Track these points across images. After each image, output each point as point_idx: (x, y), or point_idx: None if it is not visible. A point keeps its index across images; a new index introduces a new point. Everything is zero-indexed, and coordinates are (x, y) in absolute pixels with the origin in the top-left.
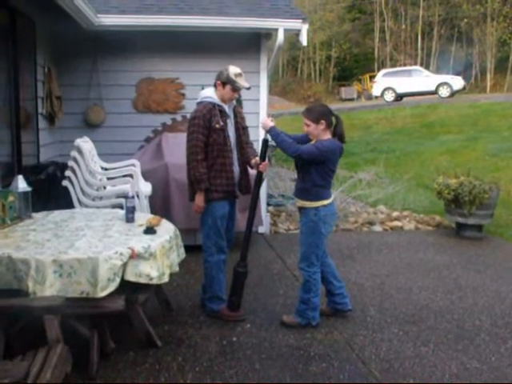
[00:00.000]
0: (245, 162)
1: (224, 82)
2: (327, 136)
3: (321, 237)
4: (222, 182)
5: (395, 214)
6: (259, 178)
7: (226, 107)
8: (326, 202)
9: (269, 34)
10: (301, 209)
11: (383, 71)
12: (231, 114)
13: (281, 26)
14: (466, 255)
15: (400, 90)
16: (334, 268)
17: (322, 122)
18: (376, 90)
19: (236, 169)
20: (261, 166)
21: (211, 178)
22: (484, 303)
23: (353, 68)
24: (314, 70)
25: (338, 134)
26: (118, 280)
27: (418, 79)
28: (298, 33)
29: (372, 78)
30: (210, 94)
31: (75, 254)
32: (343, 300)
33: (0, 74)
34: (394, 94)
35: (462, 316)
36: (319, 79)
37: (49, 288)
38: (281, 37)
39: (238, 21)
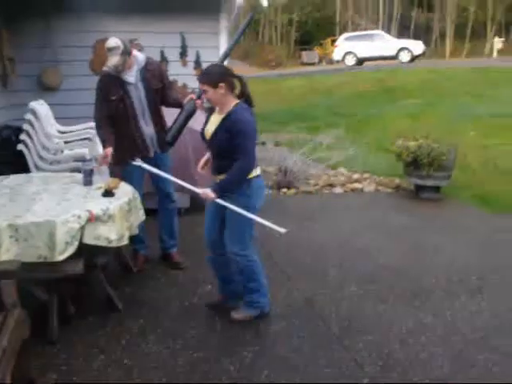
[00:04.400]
0: (179, 106)
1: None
2: (232, 101)
3: (255, 213)
4: (125, 146)
5: (355, 176)
6: (193, 110)
7: (125, 75)
8: (256, 173)
9: None
10: None
11: (345, 35)
12: (136, 80)
13: None
14: (424, 216)
15: (361, 55)
16: None
17: (221, 84)
18: (337, 54)
19: (147, 131)
20: (198, 101)
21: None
22: (440, 262)
23: (314, 32)
24: (275, 33)
25: (246, 96)
26: (76, 243)
27: (379, 44)
28: None
29: (334, 42)
30: (107, 63)
31: (32, 218)
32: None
33: None
34: (355, 59)
35: (419, 275)
36: (281, 43)
37: (5, 253)
38: None
39: None
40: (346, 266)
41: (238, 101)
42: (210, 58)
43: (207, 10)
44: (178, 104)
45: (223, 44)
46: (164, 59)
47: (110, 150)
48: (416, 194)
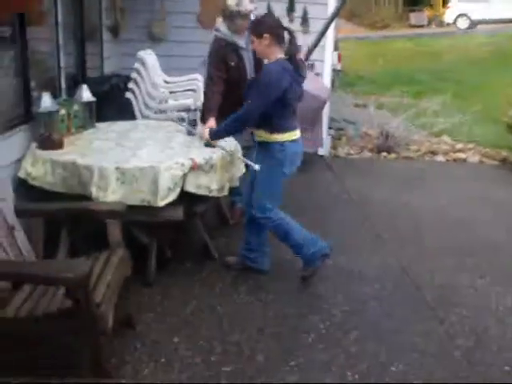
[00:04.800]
0: None
1: (229, 16)
2: (276, 54)
3: (281, 178)
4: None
5: (459, 145)
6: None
7: (240, 40)
8: (291, 137)
9: None
10: (261, 144)
11: None
12: (247, 45)
13: None
14: None
15: (475, 17)
16: None
17: (266, 35)
18: (449, 17)
19: None
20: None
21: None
22: None
23: None
24: None
25: (289, 55)
26: (178, 190)
27: (497, 5)
28: None
29: (445, 2)
30: (221, 26)
31: (137, 163)
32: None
33: None
34: (468, 21)
35: None
36: (387, 3)
37: (111, 195)
38: None
39: None
40: (444, 235)
41: (282, 56)
42: (317, 14)
43: None
44: None
45: (332, 1)
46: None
47: (212, 122)
48: None
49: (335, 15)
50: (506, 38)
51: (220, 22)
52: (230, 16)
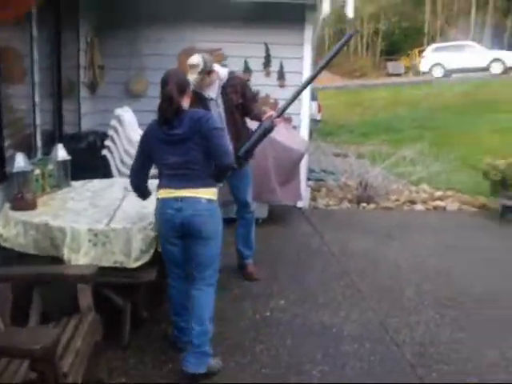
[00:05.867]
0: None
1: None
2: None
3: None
4: None
5: (438, 193)
6: (269, 128)
7: (206, 91)
8: (168, 194)
9: (314, 5)
10: None
11: (433, 46)
12: (217, 96)
13: None
14: (509, 239)
15: (450, 66)
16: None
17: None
18: (424, 66)
19: None
20: (277, 120)
21: None
22: None
23: (401, 42)
24: (360, 43)
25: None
26: (151, 251)
27: (470, 55)
28: (343, 4)
29: (421, 52)
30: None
31: (110, 224)
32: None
33: (44, 44)
34: (442, 70)
35: (502, 303)
36: (366, 53)
37: (83, 257)
38: (326, 8)
39: None
40: (424, 288)
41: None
42: (293, 68)
43: (292, 21)
44: (258, 119)
45: (307, 55)
46: (248, 69)
47: None
48: (502, 215)
49: (314, 77)
50: (479, 86)
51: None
52: (189, 70)
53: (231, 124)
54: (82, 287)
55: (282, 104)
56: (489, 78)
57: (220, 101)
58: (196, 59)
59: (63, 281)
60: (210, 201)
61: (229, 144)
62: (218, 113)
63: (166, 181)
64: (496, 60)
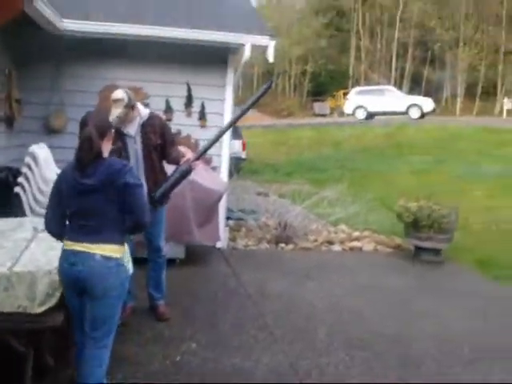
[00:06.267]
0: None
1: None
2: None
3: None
4: None
5: (355, 234)
6: (187, 171)
7: (125, 127)
8: (65, 246)
9: (236, 48)
10: None
11: (356, 89)
12: (136, 133)
13: (248, 42)
14: (421, 279)
15: (372, 109)
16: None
17: None
18: (348, 108)
19: None
20: (195, 163)
21: None
22: (435, 330)
23: (327, 84)
24: (288, 84)
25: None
26: (57, 295)
27: (390, 99)
28: (265, 49)
29: (346, 94)
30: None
31: (14, 268)
32: None
33: None
34: (365, 113)
35: (411, 342)
36: (293, 93)
37: None
38: (247, 52)
39: (206, 34)
40: (336, 329)
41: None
42: (214, 109)
43: (215, 63)
44: (176, 163)
45: (228, 97)
46: (169, 108)
47: None
48: (415, 255)
49: (231, 125)
50: (398, 128)
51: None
52: (113, 105)
53: (148, 164)
54: None
55: (202, 145)
56: (408, 122)
57: (138, 139)
58: (120, 94)
59: None
60: (106, 258)
61: (146, 201)
62: (134, 150)
63: (68, 230)
64: (414, 105)
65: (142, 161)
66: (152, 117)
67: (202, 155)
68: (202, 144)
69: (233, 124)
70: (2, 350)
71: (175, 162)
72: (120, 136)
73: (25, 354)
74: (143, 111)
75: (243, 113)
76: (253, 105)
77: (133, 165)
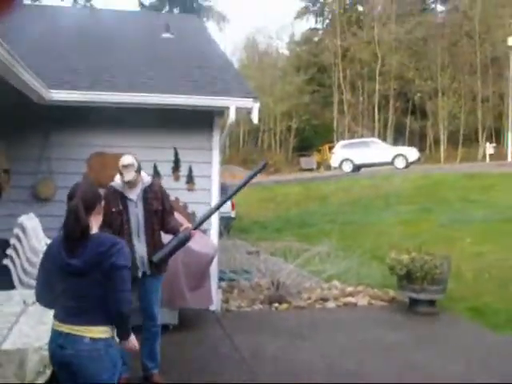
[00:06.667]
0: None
1: (119, 170)
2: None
3: None
4: None
5: (349, 289)
6: (185, 239)
7: (128, 191)
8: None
9: (221, 111)
10: None
11: (341, 142)
12: (137, 198)
13: (232, 105)
14: (417, 332)
15: (358, 161)
16: None
17: None
18: (334, 161)
19: (139, 250)
20: (193, 231)
21: None
22: None
23: (312, 138)
24: (274, 140)
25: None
26: (48, 372)
27: (375, 150)
28: (249, 111)
29: (331, 148)
30: (116, 178)
31: (3, 346)
32: None
33: None
34: (351, 165)
35: None
36: (279, 149)
37: None
38: (232, 115)
39: (191, 99)
40: None
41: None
42: (202, 172)
43: (200, 126)
44: (175, 232)
45: (216, 159)
46: (157, 173)
47: None
48: (410, 307)
49: (225, 202)
50: (384, 179)
51: (117, 177)
52: (119, 170)
53: (149, 228)
54: None
55: (190, 208)
56: (393, 172)
57: (140, 204)
58: (130, 159)
59: None
60: (95, 340)
61: (128, 287)
62: (135, 214)
63: (56, 310)
64: (399, 155)
65: (143, 225)
66: (154, 183)
67: (199, 226)
68: (191, 207)
69: (229, 199)
70: None
71: (173, 231)
72: (122, 200)
73: None
74: (146, 177)
75: (238, 189)
76: (247, 182)
77: (133, 228)
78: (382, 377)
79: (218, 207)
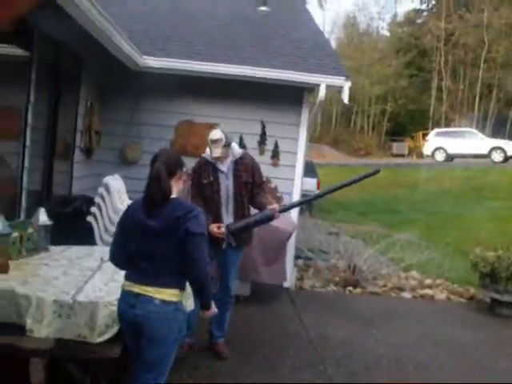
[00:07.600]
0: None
1: (208, 144)
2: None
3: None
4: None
5: (428, 281)
6: (269, 218)
7: (219, 163)
8: (124, 287)
9: (312, 88)
10: None
11: (436, 130)
12: (228, 170)
13: (323, 82)
14: (497, 335)
15: (451, 151)
16: None
17: None
18: (427, 149)
19: (227, 221)
20: (278, 214)
21: None
22: None
23: (407, 124)
24: (367, 122)
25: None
26: (116, 327)
27: (471, 141)
28: (340, 89)
29: (425, 135)
30: (207, 151)
31: (77, 297)
32: None
33: (41, 106)
34: (444, 155)
35: None
36: (372, 133)
37: (46, 327)
38: (322, 92)
39: (283, 74)
40: (397, 381)
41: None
42: (288, 148)
43: (290, 102)
44: (260, 208)
45: (303, 136)
46: (242, 145)
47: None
48: (491, 308)
49: (320, 196)
50: (479, 172)
51: (207, 149)
52: (208, 144)
53: (238, 200)
54: (35, 362)
55: (274, 183)
56: (490, 165)
57: (230, 175)
58: (218, 134)
59: (14, 354)
60: (165, 302)
61: (205, 253)
62: (226, 185)
63: (128, 270)
64: (496, 148)
65: (232, 196)
66: (245, 156)
67: (287, 210)
68: (274, 182)
69: (329, 192)
70: (61, 376)
71: (260, 206)
72: (213, 171)
73: (82, 381)
74: (237, 150)
75: (341, 187)
76: (353, 183)
77: (223, 199)
78: (451, 374)
79: (313, 198)
